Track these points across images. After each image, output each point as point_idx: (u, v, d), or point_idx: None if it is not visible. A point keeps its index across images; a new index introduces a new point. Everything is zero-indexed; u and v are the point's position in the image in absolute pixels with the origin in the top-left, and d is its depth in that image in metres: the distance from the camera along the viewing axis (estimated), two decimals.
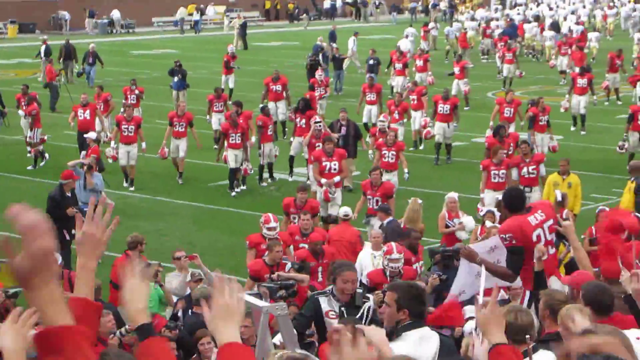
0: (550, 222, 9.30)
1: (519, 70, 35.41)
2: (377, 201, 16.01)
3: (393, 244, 12.35)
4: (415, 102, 24.68)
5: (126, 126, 20.93)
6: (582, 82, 27.04)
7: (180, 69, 29.26)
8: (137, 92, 26.01)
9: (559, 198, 14.41)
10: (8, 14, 55.46)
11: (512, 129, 21.96)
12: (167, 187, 21.25)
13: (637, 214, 13.05)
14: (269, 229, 13.31)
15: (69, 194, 15.88)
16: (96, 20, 58.14)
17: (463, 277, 9.14)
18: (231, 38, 49.42)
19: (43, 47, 37.17)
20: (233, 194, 20.41)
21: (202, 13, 61.51)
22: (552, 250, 9.31)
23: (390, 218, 14.73)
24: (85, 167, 17.06)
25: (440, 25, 51.89)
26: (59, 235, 14.40)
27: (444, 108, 23.35)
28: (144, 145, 21.12)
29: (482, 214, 15.01)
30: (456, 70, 31.59)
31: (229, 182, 20.48)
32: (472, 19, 50.95)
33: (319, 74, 28.55)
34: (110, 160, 20.87)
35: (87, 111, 22.66)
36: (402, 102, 23.84)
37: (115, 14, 58.26)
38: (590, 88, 27.25)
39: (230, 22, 54.42)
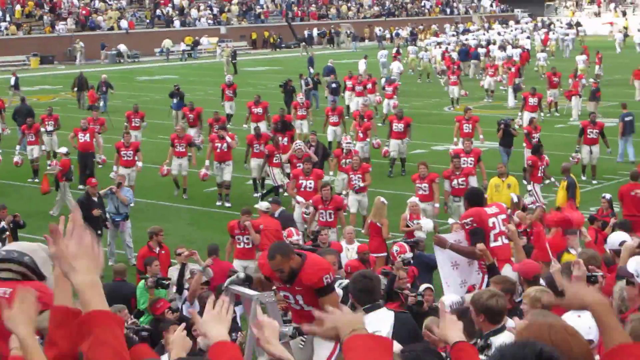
0: (503, 216, 9.58)
1: (464, 90, 35.14)
2: (329, 214, 15.40)
3: (404, 244, 12.42)
4: (366, 121, 23.81)
5: (125, 152, 20.42)
6: (532, 100, 26.39)
7: (179, 91, 29.24)
8: (138, 118, 25.20)
9: (515, 200, 14.13)
10: (31, 48, 55.82)
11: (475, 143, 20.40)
12: (168, 194, 21.23)
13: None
14: (292, 242, 12.26)
15: (95, 199, 16.08)
16: (107, 52, 58.07)
17: (443, 267, 9.41)
18: (222, 64, 49.52)
19: (13, 79, 36.35)
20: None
21: (198, 43, 61.46)
22: (506, 241, 9.45)
23: (282, 209, 15.28)
24: (115, 188, 16.73)
25: (403, 51, 51.83)
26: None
27: (398, 126, 22.79)
28: (140, 164, 20.54)
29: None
30: (389, 90, 30.88)
31: (271, 192, 20.07)
32: (438, 44, 50.97)
33: (300, 97, 28.04)
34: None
35: (87, 134, 22.21)
36: (364, 123, 23.39)
37: (122, 47, 58.22)
38: (539, 106, 26.91)
39: (222, 51, 54.35)
